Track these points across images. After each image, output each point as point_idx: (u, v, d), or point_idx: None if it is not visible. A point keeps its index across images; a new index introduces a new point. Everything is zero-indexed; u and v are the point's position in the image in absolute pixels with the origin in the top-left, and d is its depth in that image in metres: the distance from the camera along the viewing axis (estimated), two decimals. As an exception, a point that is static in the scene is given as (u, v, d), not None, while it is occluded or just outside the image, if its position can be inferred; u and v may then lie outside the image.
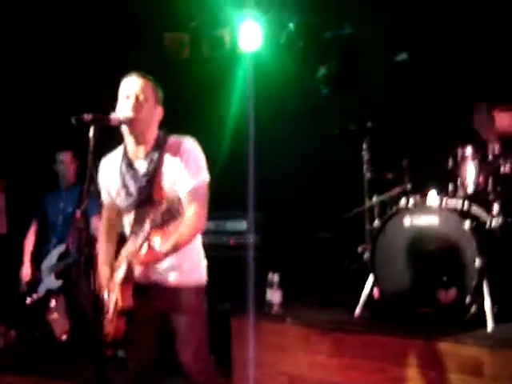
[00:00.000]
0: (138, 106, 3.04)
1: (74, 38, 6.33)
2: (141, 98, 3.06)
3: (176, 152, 3.09)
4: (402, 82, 5.97)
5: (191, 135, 3.21)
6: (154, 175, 3.06)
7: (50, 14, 6.12)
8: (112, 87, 3.39)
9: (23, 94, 6.49)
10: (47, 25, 6.20)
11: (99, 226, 5.02)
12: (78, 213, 5.19)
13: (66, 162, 5.55)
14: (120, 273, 3.04)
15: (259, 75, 6.42)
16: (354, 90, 6.29)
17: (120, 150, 3.23)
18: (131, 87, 3.08)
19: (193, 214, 3.04)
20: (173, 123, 3.24)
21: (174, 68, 6.43)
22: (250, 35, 6.43)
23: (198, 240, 3.26)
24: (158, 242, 3.04)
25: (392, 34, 6.06)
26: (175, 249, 3.01)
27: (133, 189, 3.09)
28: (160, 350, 3.28)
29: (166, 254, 2.99)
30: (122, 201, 3.16)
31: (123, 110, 3.05)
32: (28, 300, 5.39)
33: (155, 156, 3.08)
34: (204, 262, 3.29)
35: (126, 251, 3.04)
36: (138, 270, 3.10)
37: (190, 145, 3.13)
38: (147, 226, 2.84)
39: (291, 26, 6.30)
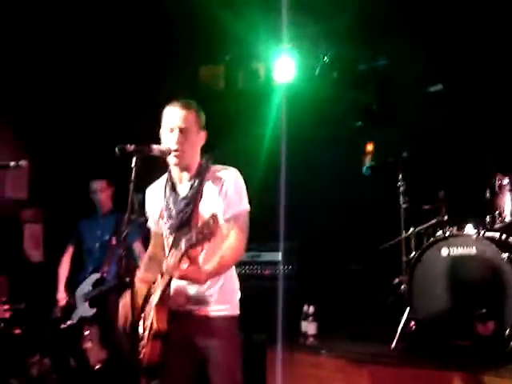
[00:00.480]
0: (182, 139, 3.08)
1: (114, 70, 6.45)
2: (184, 130, 3.09)
3: (218, 180, 3.12)
4: (438, 113, 5.96)
5: (226, 165, 3.25)
6: (193, 200, 3.09)
7: (89, 48, 6.25)
8: (149, 119, 3.45)
9: (59, 124, 6.61)
10: (91, 58, 6.34)
11: (142, 250, 5.13)
12: (114, 240, 5.27)
13: (100, 190, 5.60)
14: (156, 295, 3.05)
15: (293, 106, 6.47)
16: (388, 121, 6.30)
17: (165, 176, 3.28)
18: (174, 119, 3.11)
19: (234, 239, 3.06)
20: (208, 155, 3.28)
21: (209, 100, 6.51)
22: (284, 68, 6.50)
23: (233, 271, 3.26)
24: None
25: (426, 65, 6.07)
26: (217, 270, 3.00)
27: (174, 212, 3.12)
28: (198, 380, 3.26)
29: (208, 274, 2.96)
30: (163, 224, 3.20)
31: (168, 143, 3.09)
32: (62, 326, 5.42)
33: (196, 182, 3.12)
34: (238, 294, 3.28)
35: (165, 266, 3.02)
36: (173, 297, 3.11)
37: (233, 174, 3.15)
38: (183, 243, 2.86)
39: (325, 58, 6.35)
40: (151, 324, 3.01)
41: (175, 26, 6.11)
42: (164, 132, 3.15)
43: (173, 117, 3.12)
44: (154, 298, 3.05)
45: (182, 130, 3.09)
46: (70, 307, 5.47)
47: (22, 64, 6.22)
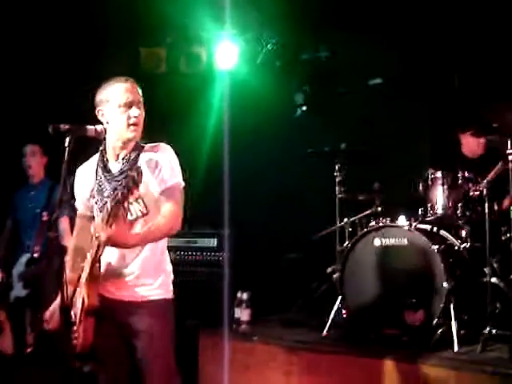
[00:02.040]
0: (141, 113, 3.07)
1: (53, 48, 6.28)
2: (140, 105, 3.06)
3: (153, 154, 3.08)
4: (376, 106, 6.05)
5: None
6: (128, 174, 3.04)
7: (30, 21, 6.07)
8: (88, 101, 3.37)
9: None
10: (27, 31, 6.16)
11: (67, 227, 4.99)
12: (45, 215, 5.11)
13: (31, 153, 5.39)
14: (85, 272, 2.99)
15: (235, 93, 6.47)
16: (328, 112, 6.36)
17: (95, 157, 3.21)
18: (131, 94, 3.04)
19: (168, 210, 3.01)
20: (147, 138, 3.24)
21: (150, 82, 6.43)
22: (226, 54, 6.48)
23: (165, 254, 3.22)
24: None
25: (367, 57, 6.14)
26: (147, 236, 2.95)
27: (107, 191, 3.06)
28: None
29: (137, 238, 2.92)
30: (95, 206, 3.13)
31: (125, 118, 3.04)
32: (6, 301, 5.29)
33: (131, 157, 3.08)
34: (171, 277, 3.23)
35: (92, 229, 2.92)
36: (104, 283, 3.06)
37: (167, 149, 3.13)
38: (108, 203, 2.79)
39: (269, 46, 6.35)
40: (82, 301, 2.95)
41: (116, 7, 5.98)
42: (118, 109, 3.04)
43: (128, 92, 3.05)
44: (84, 274, 2.98)
45: (139, 105, 3.05)
46: (8, 286, 5.33)
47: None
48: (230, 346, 4.74)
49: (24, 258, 5.27)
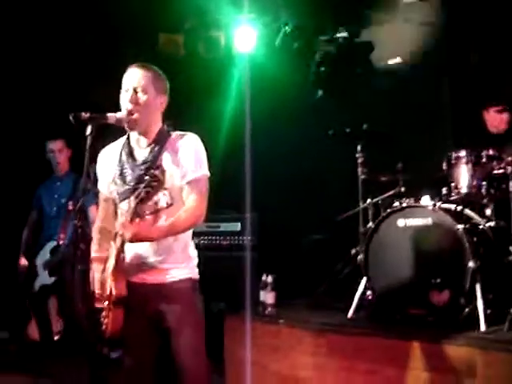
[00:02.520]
0: (135, 98, 3.03)
1: (72, 37, 6.31)
2: (139, 90, 3.04)
3: (178, 146, 3.08)
4: (398, 85, 6.00)
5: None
6: (152, 165, 3.03)
7: (48, 12, 6.09)
8: (108, 87, 3.39)
9: (15, 90, 6.45)
10: (45, 22, 6.18)
11: (96, 216, 5.05)
12: (71, 205, 5.17)
13: (57, 150, 5.47)
14: (111, 262, 3.02)
15: (254, 76, 6.46)
16: (348, 93, 6.32)
17: (122, 140, 3.22)
18: (130, 80, 3.07)
19: (192, 203, 3.03)
20: (169, 122, 3.24)
21: (170, 67, 6.42)
22: (244, 37, 6.46)
23: (188, 238, 3.23)
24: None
25: (386, 37, 6.09)
26: (171, 229, 2.99)
27: (129, 177, 3.07)
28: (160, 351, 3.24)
29: (160, 231, 2.97)
30: (117, 189, 3.15)
31: (123, 103, 3.05)
32: (30, 291, 5.35)
33: (157, 147, 3.08)
34: (195, 260, 3.26)
35: (117, 226, 3.00)
36: (129, 268, 3.08)
37: (193, 140, 3.12)
38: (132, 200, 2.87)
39: (286, 28, 6.31)
40: (110, 292, 2.99)
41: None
42: (121, 94, 3.09)
43: (129, 77, 3.08)
44: (110, 265, 3.01)
45: (136, 90, 3.04)
46: (32, 275, 5.40)
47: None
48: (256, 329, 4.77)
49: (48, 247, 5.33)
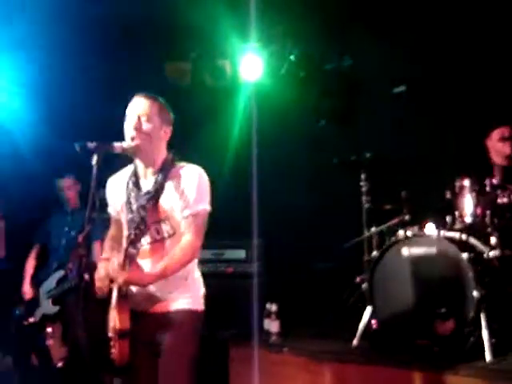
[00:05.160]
0: (138, 126, 3.06)
1: (81, 66, 6.37)
2: (143, 118, 3.07)
3: (181, 177, 3.09)
4: (401, 114, 6.03)
5: (191, 163, 3.23)
6: (154, 196, 3.07)
7: (57, 40, 6.17)
8: (113, 115, 3.42)
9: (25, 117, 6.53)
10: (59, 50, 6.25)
11: (99, 252, 5.09)
12: (81, 238, 5.20)
13: (67, 188, 5.55)
14: (114, 295, 3.03)
15: (260, 104, 6.51)
16: (352, 121, 6.36)
17: (129, 168, 3.26)
18: (135, 108, 3.11)
19: (187, 241, 3.04)
20: (173, 150, 3.26)
21: (176, 97, 6.48)
22: (251, 66, 6.52)
23: (194, 269, 3.23)
24: (148, 264, 3.06)
25: (391, 65, 6.13)
26: (164, 273, 2.98)
27: (134, 206, 3.09)
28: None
29: (153, 277, 2.97)
30: (125, 217, 3.18)
31: (126, 130, 3.08)
32: (25, 323, 5.36)
33: (160, 177, 3.10)
34: (202, 291, 3.26)
35: (110, 268, 3.00)
36: (132, 296, 3.09)
37: (197, 172, 3.13)
38: (124, 243, 2.88)
39: (292, 57, 6.38)
40: (114, 325, 3.00)
41: (141, 22, 6.06)
42: (125, 121, 3.12)
43: (135, 105, 3.12)
44: (112, 299, 3.03)
45: (140, 118, 3.07)
46: (34, 304, 5.41)
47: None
48: (261, 358, 4.75)
49: (55, 277, 5.35)
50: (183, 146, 3.31)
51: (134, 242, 2.86)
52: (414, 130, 5.96)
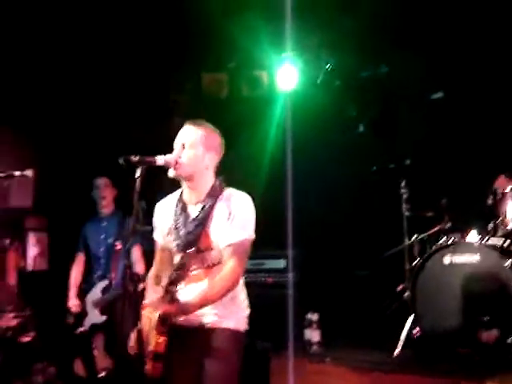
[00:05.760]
0: (181, 152, 3.10)
1: (118, 78, 6.47)
2: (187, 145, 3.10)
3: (228, 205, 3.09)
4: (439, 120, 5.98)
5: (228, 174, 3.26)
6: (202, 223, 3.08)
7: (93, 53, 6.27)
8: (153, 127, 3.47)
9: (64, 132, 6.64)
10: (94, 64, 6.36)
11: (139, 256, 5.14)
12: (119, 245, 5.25)
13: (104, 185, 5.56)
14: (154, 318, 3.05)
15: (296, 113, 6.50)
16: (390, 128, 6.33)
17: (177, 193, 3.28)
18: (181, 135, 3.15)
19: (229, 269, 3.02)
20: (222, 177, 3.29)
21: (213, 108, 6.55)
22: (287, 76, 6.54)
23: (241, 289, 3.21)
24: (192, 289, 3.09)
25: (428, 72, 6.10)
26: (204, 301, 3.00)
27: (182, 232, 3.11)
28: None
29: (194, 309, 2.98)
30: (172, 242, 3.20)
31: (169, 155, 3.12)
32: (76, 332, 5.41)
33: (207, 204, 3.11)
34: (247, 311, 3.23)
35: (149, 300, 3.06)
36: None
37: (243, 200, 3.13)
38: (164, 280, 2.95)
39: (328, 65, 6.38)
40: (150, 345, 3.03)
41: (179, 35, 6.13)
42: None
43: (181, 133, 3.16)
44: (153, 320, 3.05)
45: (184, 145, 3.11)
46: (81, 314, 5.47)
47: (25, 70, 6.24)
48: (302, 368, 4.74)
49: (100, 286, 5.40)
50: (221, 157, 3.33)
51: (174, 282, 2.89)
52: (452, 136, 5.91)
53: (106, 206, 5.54)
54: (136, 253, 5.11)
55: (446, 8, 5.72)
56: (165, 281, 3.00)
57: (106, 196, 5.51)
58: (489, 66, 5.80)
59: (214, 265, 3.06)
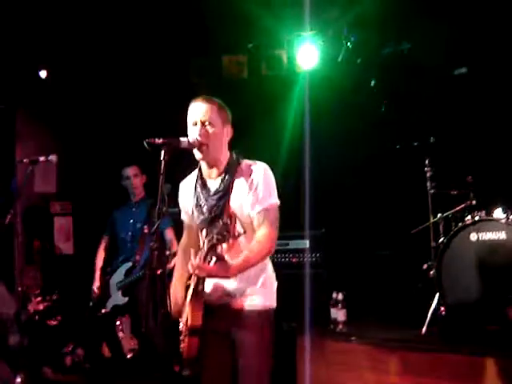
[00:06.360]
0: (204, 132, 3.11)
1: (139, 62, 6.49)
2: (207, 123, 3.11)
3: (247, 175, 3.13)
4: (463, 96, 5.91)
5: (249, 153, 3.27)
6: (224, 195, 3.11)
7: (113, 38, 6.29)
8: (175, 110, 3.46)
9: (87, 117, 6.69)
10: (116, 49, 6.38)
11: (173, 237, 5.19)
12: (146, 228, 5.30)
13: (134, 175, 5.61)
14: (189, 292, 3.09)
15: (317, 93, 6.47)
16: (413, 106, 6.26)
17: (195, 172, 3.32)
18: (197, 113, 3.14)
19: (263, 234, 3.07)
20: (232, 142, 3.30)
21: (233, 89, 6.53)
22: (307, 54, 6.49)
23: (269, 264, 3.27)
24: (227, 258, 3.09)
25: (450, 47, 6.01)
26: (245, 264, 3.02)
27: (205, 207, 3.16)
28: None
29: (234, 269, 2.99)
30: (196, 219, 3.24)
31: (192, 136, 3.12)
32: (97, 314, 5.48)
33: (227, 177, 3.14)
34: (275, 286, 3.28)
35: (190, 267, 3.07)
36: (207, 291, 3.14)
37: (262, 169, 3.16)
38: (205, 244, 2.93)
39: (348, 43, 6.32)
40: (186, 320, 3.06)
41: (198, 18, 6.12)
42: (189, 126, 3.17)
43: (195, 111, 3.15)
44: (188, 295, 3.08)
45: (204, 123, 3.11)
46: (105, 295, 5.53)
47: (49, 56, 6.28)
48: (328, 348, 4.76)
49: (123, 268, 5.45)
50: (241, 137, 3.33)
51: (214, 245, 2.88)
52: (477, 113, 5.83)
53: (138, 193, 5.62)
54: (169, 235, 5.20)
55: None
56: (195, 253, 3.00)
57: (136, 185, 5.59)
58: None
59: (239, 235, 3.06)
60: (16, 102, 6.41)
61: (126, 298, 5.41)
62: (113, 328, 5.62)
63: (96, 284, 5.53)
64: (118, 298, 5.45)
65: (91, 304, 5.51)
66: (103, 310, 5.47)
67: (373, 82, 6.44)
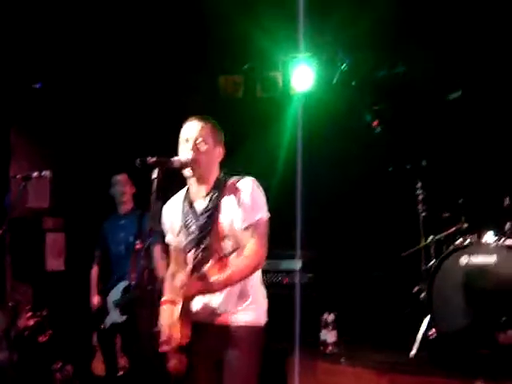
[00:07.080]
0: (195, 148, 3.12)
1: (134, 81, 6.52)
2: (199, 141, 3.13)
3: (235, 191, 3.12)
4: (456, 120, 5.95)
5: (241, 173, 3.24)
6: (213, 213, 3.11)
7: (108, 56, 6.32)
8: (169, 129, 3.48)
9: (80, 134, 6.70)
10: (109, 66, 6.41)
11: (159, 256, 5.15)
12: (139, 244, 5.25)
13: (123, 182, 5.55)
14: (177, 309, 3.08)
15: (311, 114, 6.49)
16: (407, 129, 6.30)
17: (182, 192, 3.31)
18: (190, 131, 3.16)
19: (250, 249, 3.06)
20: (224, 162, 3.31)
21: (228, 109, 6.56)
22: (302, 76, 6.54)
23: (258, 280, 3.24)
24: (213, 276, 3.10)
25: (445, 71, 6.07)
26: (229, 281, 3.02)
27: (193, 227, 3.14)
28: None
29: (221, 283, 3.00)
30: (184, 240, 3.23)
31: (183, 152, 3.14)
32: (100, 327, 5.44)
33: (215, 195, 3.14)
34: (264, 304, 3.25)
35: (178, 281, 3.07)
36: (195, 308, 3.14)
37: (250, 183, 3.15)
38: (193, 258, 2.95)
39: (343, 66, 6.37)
40: (176, 338, 3.05)
41: (196, 38, 6.16)
42: (180, 144, 3.18)
43: (189, 128, 3.17)
44: (176, 313, 3.08)
45: (196, 140, 3.13)
46: (102, 313, 5.49)
47: (42, 71, 6.30)
48: (318, 369, 4.74)
49: (121, 286, 5.42)
50: (234, 157, 3.35)
51: (200, 263, 2.91)
52: (469, 137, 5.87)
53: (126, 202, 5.53)
54: (156, 252, 5.12)
55: (464, 7, 5.69)
56: (184, 273, 3.01)
57: (125, 192, 5.51)
58: (506, 66, 5.76)
59: (233, 251, 3.06)
60: (10, 119, 6.42)
61: (125, 317, 5.38)
62: (112, 345, 5.57)
63: (94, 297, 5.49)
64: (116, 316, 5.42)
65: (92, 315, 5.47)
66: (102, 326, 5.45)
67: (368, 117, 6.49)
